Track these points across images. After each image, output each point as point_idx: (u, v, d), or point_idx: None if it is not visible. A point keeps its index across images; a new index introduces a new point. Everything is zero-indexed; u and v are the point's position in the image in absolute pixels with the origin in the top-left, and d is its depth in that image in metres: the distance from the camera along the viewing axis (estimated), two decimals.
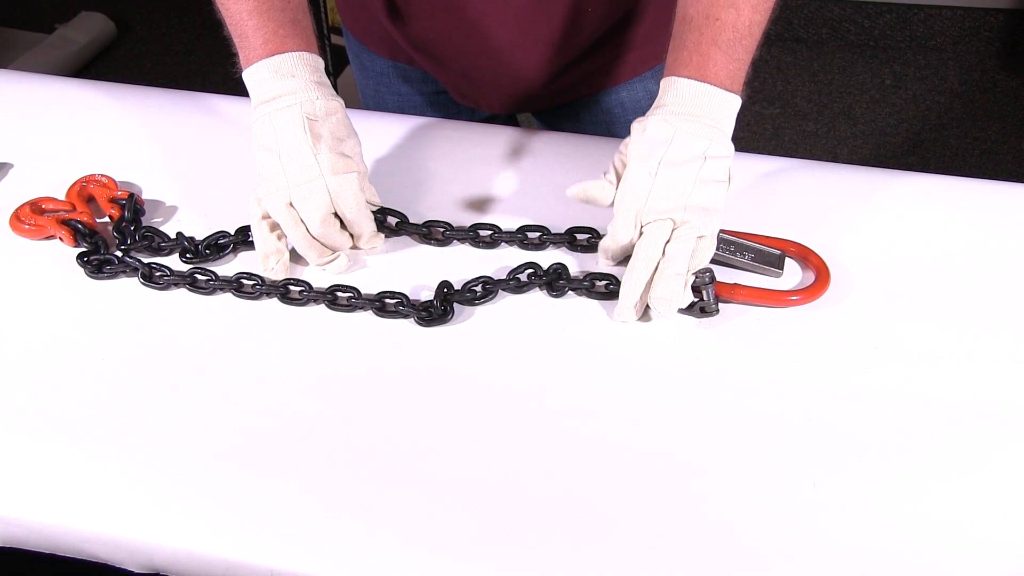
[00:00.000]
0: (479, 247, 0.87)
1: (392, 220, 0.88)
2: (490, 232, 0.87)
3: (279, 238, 0.84)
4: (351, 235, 0.85)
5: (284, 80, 0.81)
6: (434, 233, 0.87)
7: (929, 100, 2.51)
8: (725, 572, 0.65)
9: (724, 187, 0.79)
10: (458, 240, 0.87)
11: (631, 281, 0.77)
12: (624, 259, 0.81)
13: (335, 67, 2.22)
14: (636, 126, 0.79)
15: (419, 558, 0.66)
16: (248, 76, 0.83)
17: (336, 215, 0.83)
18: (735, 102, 0.79)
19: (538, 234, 0.87)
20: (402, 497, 0.70)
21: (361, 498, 0.70)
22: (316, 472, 0.71)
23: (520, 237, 0.86)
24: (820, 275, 0.82)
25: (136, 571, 0.71)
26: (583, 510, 0.69)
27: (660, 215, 0.77)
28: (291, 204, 0.81)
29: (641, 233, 0.78)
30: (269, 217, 0.83)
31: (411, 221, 0.88)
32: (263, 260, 0.84)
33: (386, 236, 0.88)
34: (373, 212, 0.85)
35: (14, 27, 2.72)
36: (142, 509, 0.70)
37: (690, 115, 0.78)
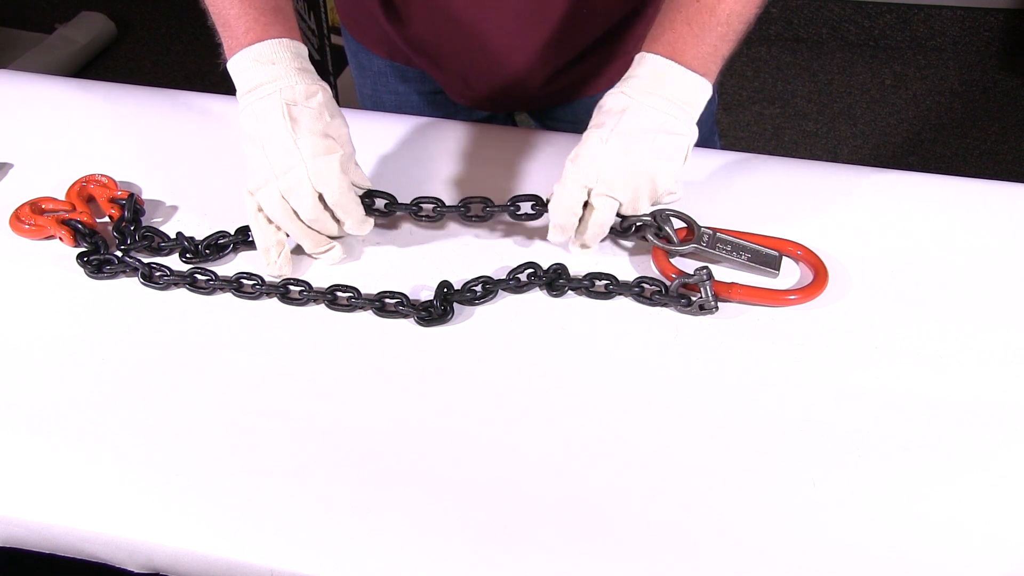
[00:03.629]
0: (471, 222, 0.87)
1: (381, 202, 0.86)
2: (481, 205, 0.86)
3: (278, 230, 0.83)
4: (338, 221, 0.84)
5: (265, 68, 0.81)
6: (424, 210, 0.87)
7: (929, 100, 2.51)
8: (725, 572, 0.65)
9: (674, 166, 0.80)
10: (448, 217, 0.87)
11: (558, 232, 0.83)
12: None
13: (335, 67, 2.21)
14: (601, 100, 0.82)
15: (419, 558, 0.67)
16: (231, 66, 0.82)
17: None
18: (703, 86, 0.80)
19: (481, 205, 0.86)
20: (402, 497, 0.70)
21: (361, 498, 0.70)
22: (316, 472, 0.71)
23: (463, 209, 0.86)
24: (818, 274, 0.82)
25: (136, 571, 0.71)
26: (583, 510, 0.69)
27: (606, 183, 0.79)
28: (283, 196, 0.80)
29: (588, 204, 0.81)
30: (263, 210, 0.82)
31: (399, 201, 0.86)
32: (264, 254, 0.83)
33: (377, 218, 0.87)
34: (361, 197, 0.84)
35: (14, 27, 2.72)
36: (142, 509, 0.70)
37: (651, 91, 0.79)
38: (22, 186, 0.94)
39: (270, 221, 0.83)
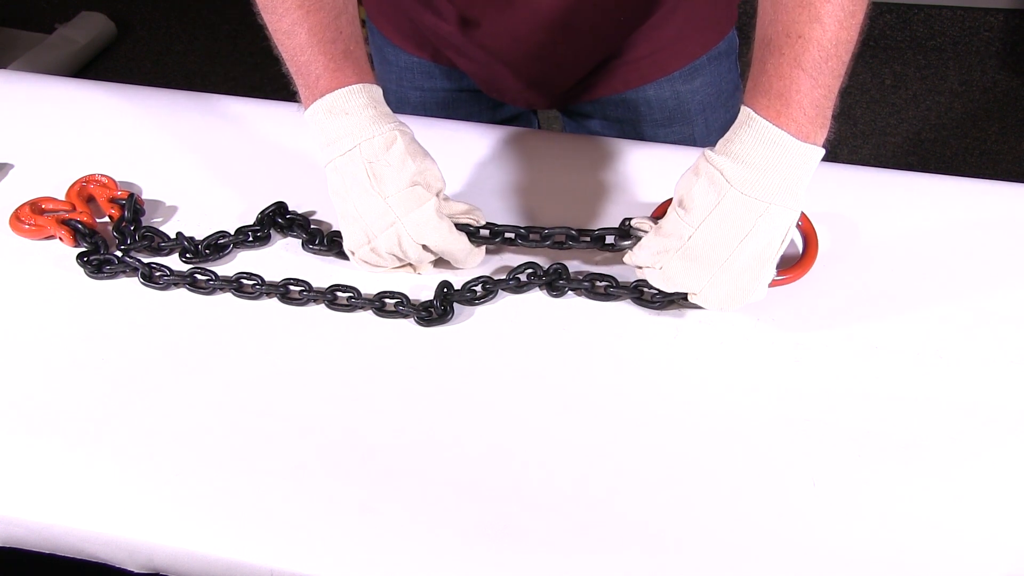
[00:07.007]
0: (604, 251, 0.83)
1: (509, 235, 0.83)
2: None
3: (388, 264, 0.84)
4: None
5: (338, 120, 0.79)
6: (531, 236, 0.83)
7: (929, 100, 2.51)
8: (725, 572, 0.65)
9: (766, 272, 0.74)
10: (576, 247, 0.83)
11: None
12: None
13: None
14: (697, 163, 0.74)
15: (419, 558, 0.67)
16: (307, 117, 0.81)
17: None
18: (813, 155, 0.71)
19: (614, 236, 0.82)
20: (402, 497, 0.70)
21: (361, 498, 0.70)
22: (316, 472, 0.71)
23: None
24: (809, 244, 0.82)
25: (136, 571, 0.71)
26: (583, 510, 0.69)
27: (677, 281, 0.75)
28: (389, 252, 0.81)
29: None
30: (368, 261, 0.83)
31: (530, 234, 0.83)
32: (406, 272, 0.85)
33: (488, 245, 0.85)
34: (469, 230, 0.83)
35: (14, 27, 2.72)
36: (142, 509, 0.70)
37: (753, 166, 0.71)
38: (22, 186, 0.94)
39: (377, 265, 0.83)
